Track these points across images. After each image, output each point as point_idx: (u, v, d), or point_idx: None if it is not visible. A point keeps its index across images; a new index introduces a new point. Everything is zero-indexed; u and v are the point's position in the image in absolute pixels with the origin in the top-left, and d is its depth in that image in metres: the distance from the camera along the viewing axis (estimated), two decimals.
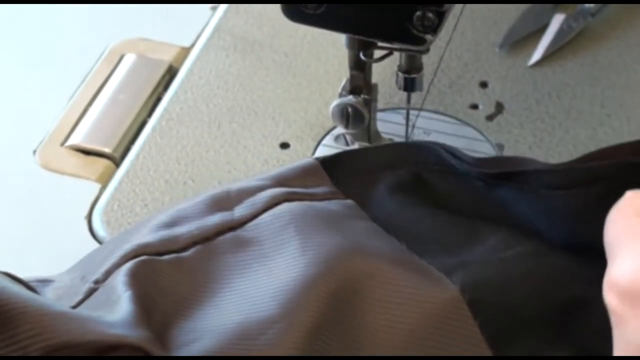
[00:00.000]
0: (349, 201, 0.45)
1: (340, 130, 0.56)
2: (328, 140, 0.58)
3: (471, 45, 0.64)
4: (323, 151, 0.57)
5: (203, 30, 0.68)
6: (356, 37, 0.48)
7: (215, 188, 0.46)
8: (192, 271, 0.41)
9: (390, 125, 0.59)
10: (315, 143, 0.58)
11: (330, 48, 0.64)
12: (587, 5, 0.64)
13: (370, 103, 0.52)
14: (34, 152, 0.60)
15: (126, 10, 0.70)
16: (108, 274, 0.40)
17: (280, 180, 0.46)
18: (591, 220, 0.37)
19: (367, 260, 0.40)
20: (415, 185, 0.46)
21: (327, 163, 0.47)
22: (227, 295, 0.39)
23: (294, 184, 0.45)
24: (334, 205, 0.45)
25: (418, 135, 0.58)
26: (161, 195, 0.55)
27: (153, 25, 0.69)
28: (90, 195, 0.57)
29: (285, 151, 0.58)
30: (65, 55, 0.67)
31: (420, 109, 0.58)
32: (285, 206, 0.43)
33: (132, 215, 0.54)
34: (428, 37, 0.44)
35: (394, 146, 0.49)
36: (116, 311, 0.37)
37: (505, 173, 0.44)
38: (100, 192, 0.57)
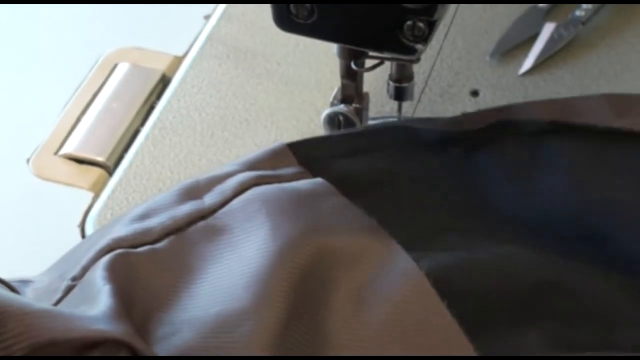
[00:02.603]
0: (318, 179, 0.45)
1: None
2: None
3: (462, 54, 0.64)
4: None
5: (196, 39, 0.68)
6: (347, 46, 0.49)
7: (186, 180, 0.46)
8: (167, 263, 0.40)
9: None
10: None
11: (321, 57, 0.65)
12: (577, 13, 0.64)
13: (361, 112, 0.53)
14: (28, 160, 0.60)
15: (119, 19, 0.71)
16: (85, 270, 0.40)
17: (250, 165, 0.45)
18: (587, 171, 0.36)
19: (336, 244, 0.40)
20: (385, 177, 0.45)
21: (296, 147, 0.46)
22: (202, 286, 0.39)
23: (263, 167, 0.45)
24: (303, 184, 0.44)
25: None
26: None
27: (146, 34, 0.69)
28: (84, 204, 0.57)
29: None
30: (58, 64, 0.67)
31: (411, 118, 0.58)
32: (254, 190, 0.43)
33: None
34: (419, 46, 0.45)
35: (363, 131, 0.48)
36: (96, 306, 0.36)
37: (503, 121, 0.43)
38: (93, 200, 0.57)
